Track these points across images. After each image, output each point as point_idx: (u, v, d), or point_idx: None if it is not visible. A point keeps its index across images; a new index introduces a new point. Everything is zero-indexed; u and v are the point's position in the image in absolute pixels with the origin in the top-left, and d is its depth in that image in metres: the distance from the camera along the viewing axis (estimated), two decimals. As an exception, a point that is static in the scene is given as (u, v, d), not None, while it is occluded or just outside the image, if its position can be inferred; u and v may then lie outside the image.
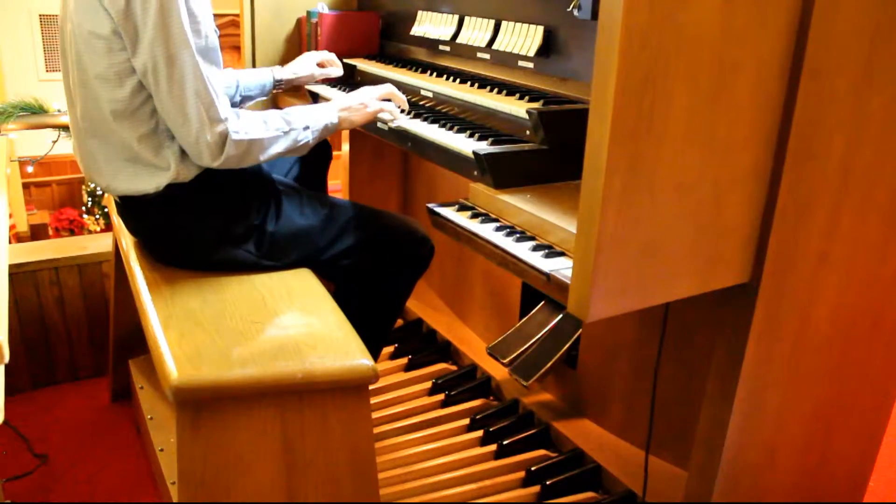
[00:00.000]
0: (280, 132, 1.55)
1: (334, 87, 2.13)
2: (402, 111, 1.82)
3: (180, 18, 1.38)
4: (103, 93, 1.46)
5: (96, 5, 1.38)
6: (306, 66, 2.08)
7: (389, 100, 1.80)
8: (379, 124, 1.82)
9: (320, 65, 2.11)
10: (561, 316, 2.01)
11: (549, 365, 1.96)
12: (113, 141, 1.51)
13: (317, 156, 2.05)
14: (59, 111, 2.72)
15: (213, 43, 1.47)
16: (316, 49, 2.31)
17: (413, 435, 2.04)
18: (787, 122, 1.15)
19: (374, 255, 1.76)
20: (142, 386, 2.21)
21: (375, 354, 1.90)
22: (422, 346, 2.46)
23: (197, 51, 1.41)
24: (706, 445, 1.37)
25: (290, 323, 1.42)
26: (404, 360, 2.37)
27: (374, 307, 1.82)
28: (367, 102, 1.75)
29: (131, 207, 1.62)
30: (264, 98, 2.06)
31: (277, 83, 2.04)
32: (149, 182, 1.52)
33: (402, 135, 1.77)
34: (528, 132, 1.56)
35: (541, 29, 1.71)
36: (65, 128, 2.71)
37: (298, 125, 1.59)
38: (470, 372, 2.28)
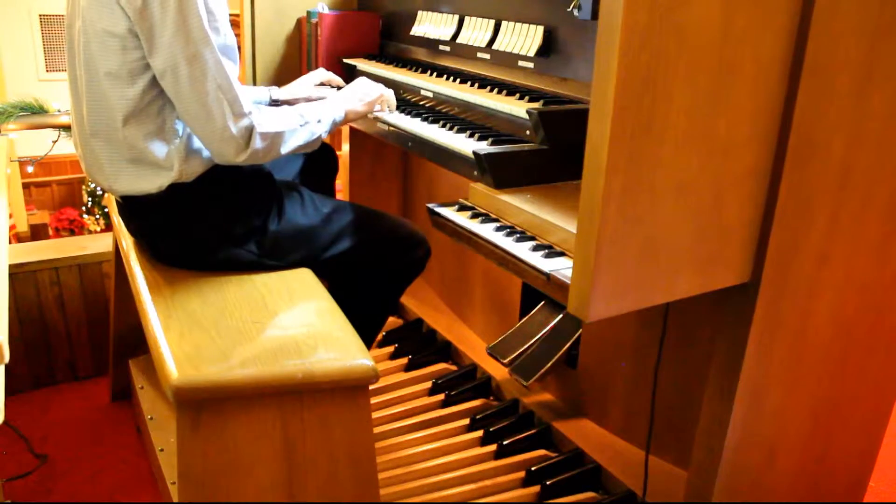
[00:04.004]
0: (297, 125, 1.57)
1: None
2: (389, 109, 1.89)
3: (199, 17, 1.37)
4: (113, 91, 1.45)
5: (112, 3, 1.38)
6: (303, 90, 2.05)
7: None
8: (378, 123, 1.83)
9: (319, 85, 2.10)
10: (561, 316, 2.01)
11: (549, 365, 1.96)
12: (117, 141, 1.50)
13: (322, 165, 2.05)
14: (59, 111, 2.71)
15: (231, 41, 1.47)
16: (316, 50, 2.31)
17: (413, 435, 2.03)
18: (787, 122, 1.15)
19: (372, 256, 1.76)
20: (142, 386, 2.21)
21: None
22: (422, 346, 2.46)
23: (217, 48, 1.41)
24: (706, 445, 1.37)
25: (290, 323, 1.42)
26: (404, 360, 2.37)
27: (367, 306, 1.82)
28: (366, 91, 1.80)
29: (133, 207, 1.62)
30: None
31: (273, 103, 2.03)
32: (151, 182, 1.52)
33: (402, 135, 1.77)
34: (528, 132, 1.56)
35: (541, 29, 1.71)
36: (65, 128, 2.71)
37: (312, 118, 1.61)
38: (470, 372, 2.28)
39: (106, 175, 1.55)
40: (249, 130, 1.47)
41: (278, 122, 1.53)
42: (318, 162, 2.03)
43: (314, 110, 1.63)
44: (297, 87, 2.05)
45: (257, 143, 1.48)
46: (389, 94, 1.87)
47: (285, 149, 1.55)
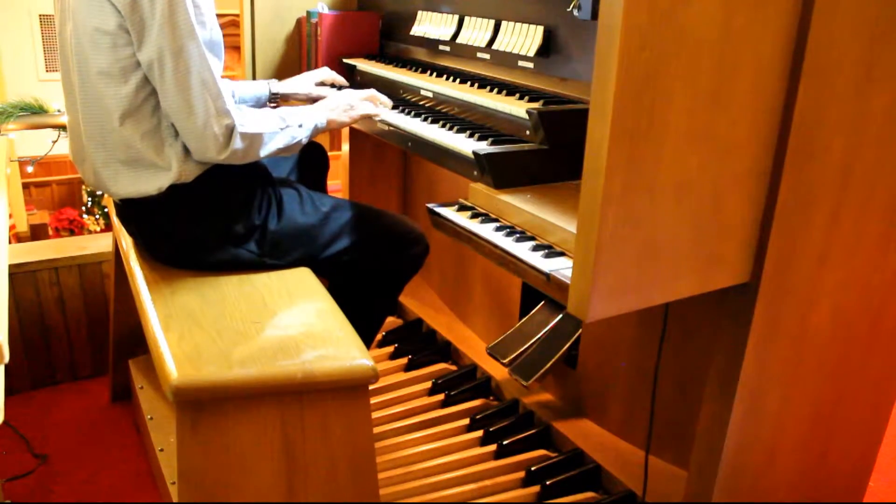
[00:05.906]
0: (278, 128, 1.57)
1: (332, 86, 2.13)
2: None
3: (186, 10, 1.38)
4: (107, 90, 1.45)
5: (102, 0, 1.38)
6: (304, 85, 2.05)
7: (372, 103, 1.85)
8: (378, 123, 1.83)
9: (320, 84, 2.10)
10: (561, 316, 2.01)
11: (549, 365, 1.96)
12: (113, 143, 1.50)
13: (314, 164, 2.05)
14: (59, 111, 2.72)
15: (217, 36, 1.48)
16: (316, 50, 2.31)
17: (413, 435, 2.03)
18: (787, 122, 1.15)
19: (371, 253, 1.77)
20: (142, 386, 2.21)
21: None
22: (422, 346, 2.46)
23: (202, 42, 1.41)
24: (706, 445, 1.37)
25: (290, 323, 1.42)
26: (404, 360, 2.37)
27: (366, 305, 1.83)
28: (353, 104, 1.79)
29: (132, 209, 1.62)
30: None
31: (273, 96, 2.03)
32: (150, 183, 1.52)
33: (402, 135, 1.77)
34: (528, 132, 1.56)
35: (541, 29, 1.71)
36: (64, 128, 2.71)
37: (293, 122, 1.62)
38: (470, 372, 2.28)
39: (104, 179, 1.55)
40: (230, 129, 1.47)
41: (259, 124, 1.52)
42: (310, 159, 2.03)
43: (296, 115, 1.63)
44: (298, 83, 2.05)
45: (237, 142, 1.48)
46: (375, 108, 1.84)
47: (264, 151, 1.55)
